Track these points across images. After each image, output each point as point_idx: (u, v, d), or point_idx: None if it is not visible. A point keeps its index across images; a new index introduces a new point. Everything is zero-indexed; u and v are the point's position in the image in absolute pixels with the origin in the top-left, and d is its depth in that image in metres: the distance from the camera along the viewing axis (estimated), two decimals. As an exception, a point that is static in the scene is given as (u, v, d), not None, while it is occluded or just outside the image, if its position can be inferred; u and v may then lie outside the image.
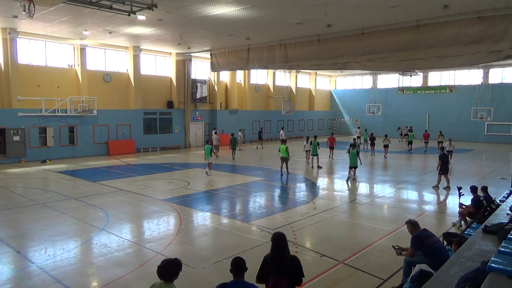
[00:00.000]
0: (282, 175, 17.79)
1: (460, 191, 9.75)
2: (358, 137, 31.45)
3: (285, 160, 17.74)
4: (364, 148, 28.31)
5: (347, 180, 16.24)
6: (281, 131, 32.02)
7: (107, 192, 13.95)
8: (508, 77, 35.61)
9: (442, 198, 13.44)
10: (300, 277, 4.34)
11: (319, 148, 20.01)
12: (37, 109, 22.09)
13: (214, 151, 22.13)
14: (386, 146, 24.44)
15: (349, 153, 16.92)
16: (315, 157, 19.95)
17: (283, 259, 4.30)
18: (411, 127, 34.06)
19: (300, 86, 42.51)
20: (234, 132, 27.63)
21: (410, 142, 28.16)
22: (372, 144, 26.27)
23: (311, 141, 20.43)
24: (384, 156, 24.31)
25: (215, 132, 26.66)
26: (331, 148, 23.99)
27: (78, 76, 24.40)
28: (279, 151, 18.10)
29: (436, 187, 14.65)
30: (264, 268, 4.39)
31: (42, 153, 22.29)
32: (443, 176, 14.60)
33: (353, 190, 14.91)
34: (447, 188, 14.45)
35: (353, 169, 16.56)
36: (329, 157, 23.58)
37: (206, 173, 17.63)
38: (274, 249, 4.38)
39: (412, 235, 6.00)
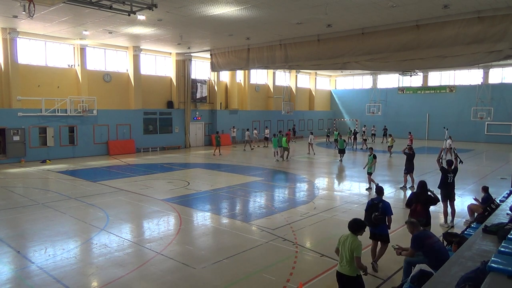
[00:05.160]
0: (277, 160, 22.39)
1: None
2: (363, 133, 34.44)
3: (286, 149, 22.37)
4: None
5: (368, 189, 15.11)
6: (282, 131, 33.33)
7: (107, 192, 13.95)
8: (508, 77, 35.60)
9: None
10: (433, 202, 7.93)
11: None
12: (37, 109, 22.09)
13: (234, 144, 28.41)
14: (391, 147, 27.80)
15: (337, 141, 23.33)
16: (279, 149, 23.10)
17: (422, 195, 7.89)
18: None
19: (300, 86, 42.51)
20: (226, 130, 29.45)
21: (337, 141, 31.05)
22: (355, 139, 30.24)
23: (276, 134, 24.45)
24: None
25: (247, 130, 30.55)
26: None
27: (78, 76, 24.41)
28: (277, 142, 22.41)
29: (404, 188, 14.68)
30: (411, 199, 7.96)
31: (42, 153, 22.29)
32: (408, 175, 14.70)
33: (353, 190, 14.91)
34: (412, 187, 14.48)
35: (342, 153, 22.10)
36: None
37: (277, 159, 22.76)
38: (419, 189, 8.06)
39: (412, 235, 6.01)
